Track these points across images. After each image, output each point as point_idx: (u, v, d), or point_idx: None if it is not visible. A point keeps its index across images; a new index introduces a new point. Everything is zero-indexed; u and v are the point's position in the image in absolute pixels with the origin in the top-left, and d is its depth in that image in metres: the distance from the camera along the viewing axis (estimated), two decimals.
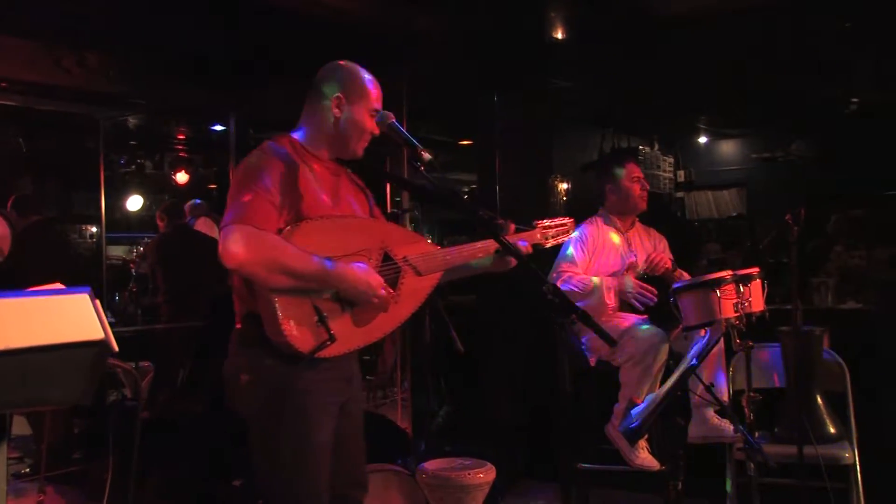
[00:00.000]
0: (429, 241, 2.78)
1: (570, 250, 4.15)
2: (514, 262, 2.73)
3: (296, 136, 2.58)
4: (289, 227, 2.32)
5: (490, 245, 2.72)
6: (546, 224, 2.95)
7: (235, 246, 2.20)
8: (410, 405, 5.10)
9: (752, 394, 3.26)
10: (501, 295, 5.21)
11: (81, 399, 1.61)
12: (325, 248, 2.35)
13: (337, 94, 2.55)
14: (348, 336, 2.38)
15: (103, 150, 6.47)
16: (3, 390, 1.49)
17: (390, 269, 2.51)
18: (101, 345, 1.58)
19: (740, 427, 3.25)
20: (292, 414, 2.35)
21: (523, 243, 2.83)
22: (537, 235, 2.91)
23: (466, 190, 9.02)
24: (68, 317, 1.54)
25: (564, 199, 6.87)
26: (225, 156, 6.73)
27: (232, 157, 5.82)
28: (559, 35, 5.23)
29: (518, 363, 5.29)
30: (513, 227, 2.84)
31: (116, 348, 1.65)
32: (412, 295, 2.55)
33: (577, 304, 2.91)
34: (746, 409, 3.26)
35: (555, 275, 4.11)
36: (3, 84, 4.47)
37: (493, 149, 5.41)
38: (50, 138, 7.47)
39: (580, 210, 4.43)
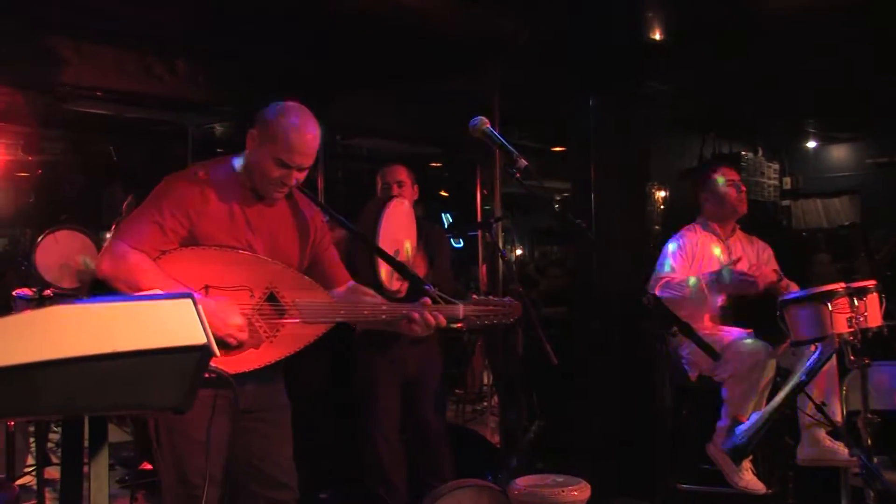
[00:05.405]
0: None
1: (669, 259, 4.10)
2: (420, 329, 2.61)
3: (236, 160, 2.63)
4: (167, 252, 2.43)
5: (395, 310, 2.64)
6: (480, 299, 2.75)
7: (104, 259, 2.42)
8: (501, 420, 5.00)
9: (869, 415, 3.05)
10: (597, 306, 5.07)
11: (182, 404, 1.62)
12: (201, 277, 2.43)
13: (254, 129, 2.58)
14: None
15: (191, 157, 6.51)
16: (106, 393, 1.52)
17: (275, 309, 2.52)
18: (203, 349, 1.60)
19: (857, 450, 3.04)
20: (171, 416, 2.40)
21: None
22: (460, 311, 2.70)
23: (559, 198, 8.86)
24: (172, 321, 1.58)
25: (662, 207, 6.67)
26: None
27: (319, 163, 5.83)
28: (656, 36, 5.08)
29: (613, 376, 5.13)
30: (428, 301, 2.65)
31: (218, 353, 1.69)
32: (293, 339, 2.54)
33: (679, 313, 2.78)
34: (863, 432, 3.05)
35: (653, 283, 4.01)
36: (99, 93, 4.60)
37: (587, 155, 5.27)
38: (139, 146, 7.66)
39: (678, 218, 4.33)
